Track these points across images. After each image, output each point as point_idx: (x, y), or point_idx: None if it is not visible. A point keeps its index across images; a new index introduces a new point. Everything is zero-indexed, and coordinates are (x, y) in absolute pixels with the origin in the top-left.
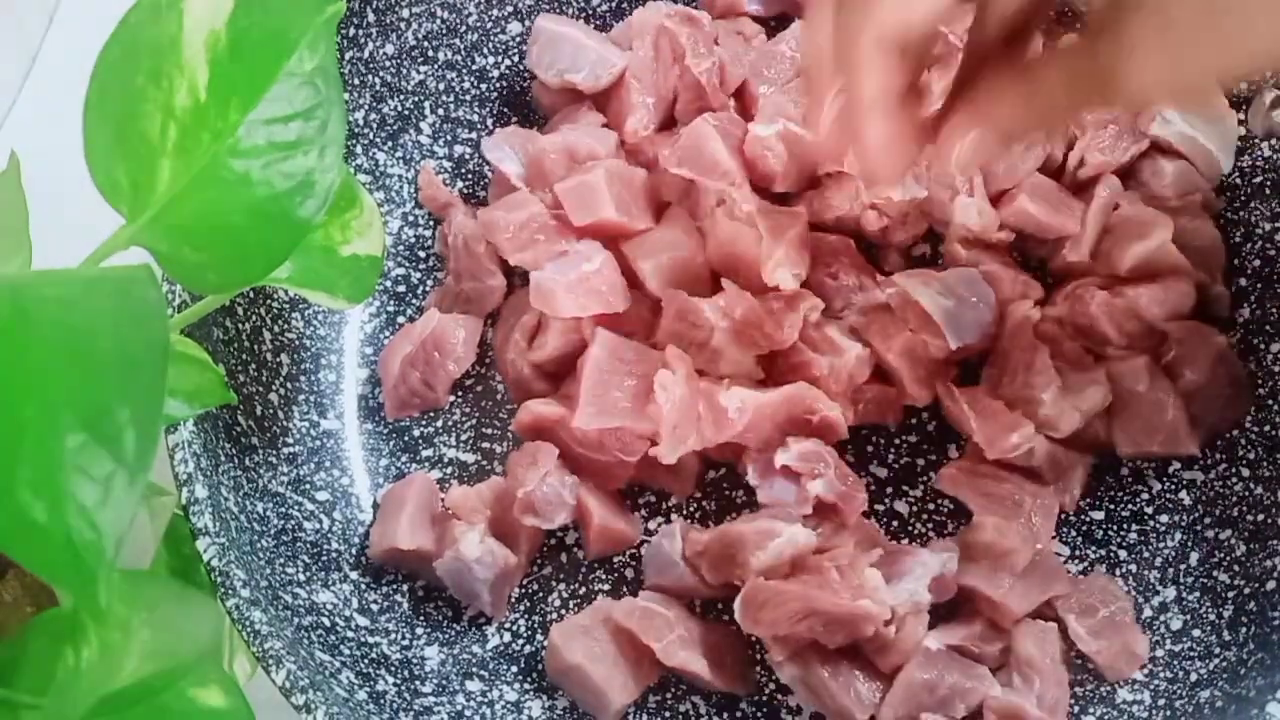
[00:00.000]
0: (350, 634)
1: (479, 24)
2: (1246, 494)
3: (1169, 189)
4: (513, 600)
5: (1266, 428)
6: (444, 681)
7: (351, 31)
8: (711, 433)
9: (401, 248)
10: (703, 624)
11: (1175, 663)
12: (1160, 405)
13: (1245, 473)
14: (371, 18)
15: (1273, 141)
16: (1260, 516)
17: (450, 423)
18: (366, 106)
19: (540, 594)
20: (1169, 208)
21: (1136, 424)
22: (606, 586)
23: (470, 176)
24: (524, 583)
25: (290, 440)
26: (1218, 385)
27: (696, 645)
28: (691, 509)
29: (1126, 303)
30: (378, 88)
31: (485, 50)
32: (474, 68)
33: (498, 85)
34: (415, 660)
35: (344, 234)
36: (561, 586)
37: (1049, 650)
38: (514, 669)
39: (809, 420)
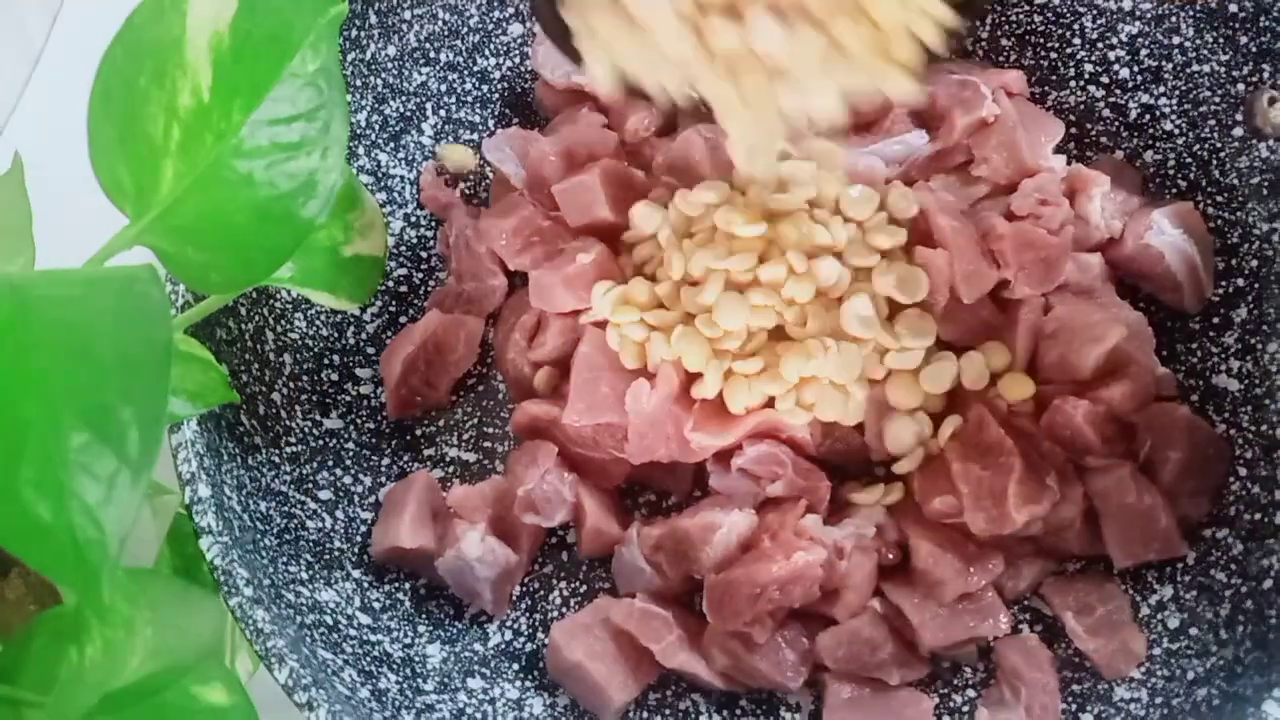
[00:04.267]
0: (353, 632)
1: (480, 25)
2: (1244, 493)
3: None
4: (514, 598)
5: (1264, 427)
6: (446, 679)
7: (354, 33)
8: (678, 453)
9: (403, 248)
10: (702, 622)
11: (1172, 661)
12: (1151, 514)
13: (1243, 472)
14: (373, 19)
15: (1270, 142)
16: (1257, 515)
17: (452, 422)
18: (369, 108)
19: (541, 592)
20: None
21: (1132, 535)
22: (607, 585)
23: (471, 177)
24: (525, 581)
25: (293, 439)
26: (1198, 453)
27: (696, 644)
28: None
29: (1106, 409)
30: (380, 89)
31: (487, 52)
32: (475, 69)
33: (499, 86)
34: (417, 658)
35: (346, 234)
36: (562, 585)
37: (1034, 660)
38: (515, 667)
39: (776, 438)
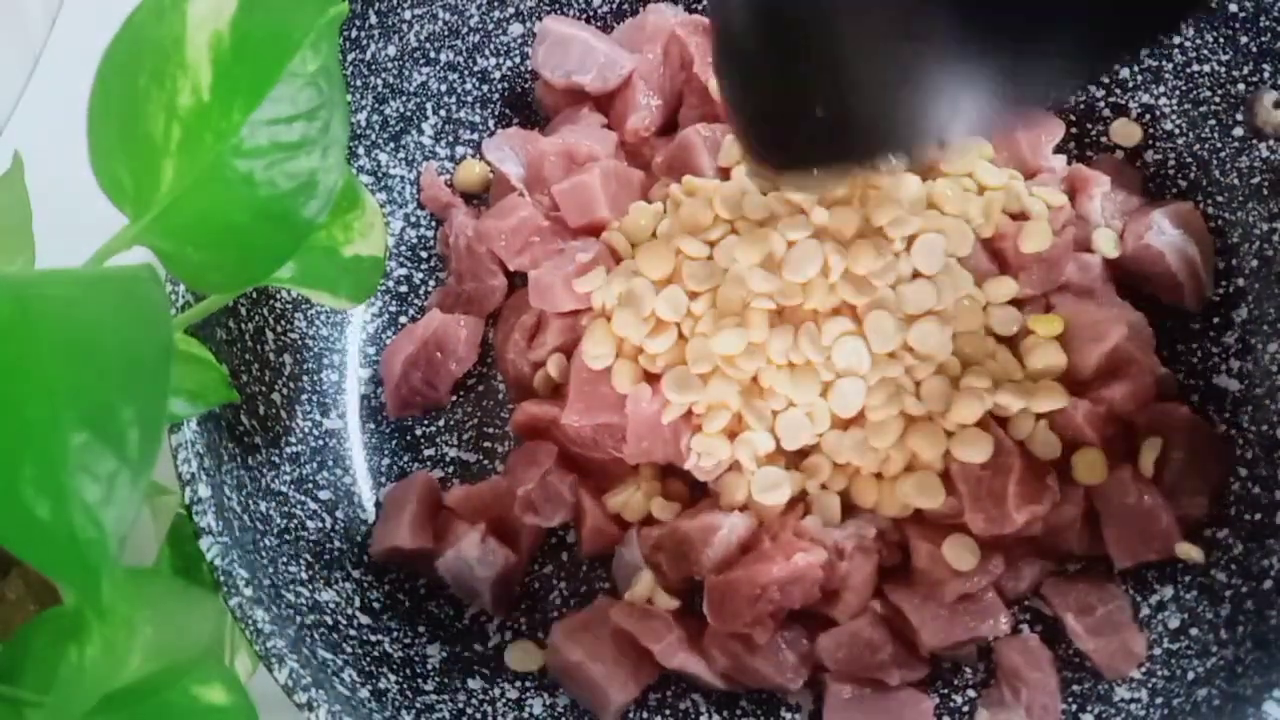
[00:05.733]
0: (353, 632)
1: (480, 25)
2: (1244, 493)
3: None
4: (514, 598)
5: (1264, 427)
6: (446, 679)
7: (354, 33)
8: (675, 458)
9: (403, 248)
10: (702, 622)
11: (1173, 661)
12: (1153, 514)
13: (1243, 472)
14: (373, 19)
15: (1270, 143)
16: (1258, 515)
17: (452, 422)
18: (369, 108)
19: (541, 592)
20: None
21: (1132, 535)
22: (607, 585)
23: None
24: (525, 581)
25: (293, 440)
26: (1199, 454)
27: (696, 645)
28: None
29: (1107, 409)
30: (380, 89)
31: (487, 52)
32: (476, 69)
33: (499, 87)
34: (417, 658)
35: (346, 234)
36: (562, 585)
37: (1034, 660)
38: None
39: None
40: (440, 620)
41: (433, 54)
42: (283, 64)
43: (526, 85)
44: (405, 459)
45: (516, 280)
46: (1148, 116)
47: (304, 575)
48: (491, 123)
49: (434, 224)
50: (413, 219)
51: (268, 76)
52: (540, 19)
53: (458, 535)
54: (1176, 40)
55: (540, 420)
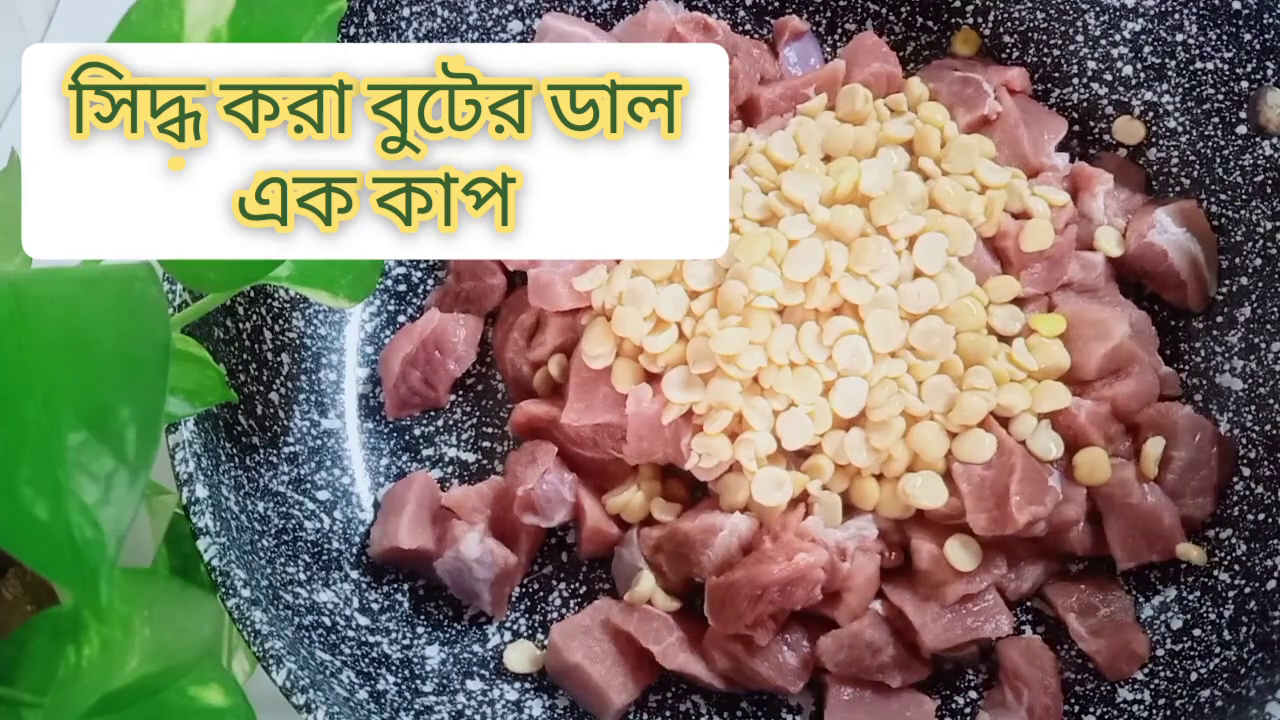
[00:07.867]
0: (351, 633)
1: (479, 22)
2: (1247, 493)
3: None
4: (513, 600)
5: (1267, 427)
6: (445, 681)
7: (352, 30)
8: (675, 458)
9: None
10: (703, 624)
11: (1175, 662)
12: (1156, 514)
13: (1246, 472)
14: (372, 16)
15: (1274, 140)
16: (1260, 516)
17: (451, 422)
18: None
19: (541, 593)
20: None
21: (1135, 536)
22: (607, 586)
23: None
24: (524, 582)
25: (291, 439)
26: (1203, 451)
27: (696, 646)
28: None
29: (1109, 408)
30: None
31: None
32: None
33: None
34: (416, 659)
35: None
36: (562, 586)
37: (1036, 661)
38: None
39: None
40: (439, 621)
41: None
42: None
43: None
44: (404, 459)
45: (515, 279)
46: (1150, 114)
47: (302, 576)
48: None
49: None
50: None
51: None
52: (540, 16)
53: (457, 536)
54: (1179, 37)
55: (540, 420)
